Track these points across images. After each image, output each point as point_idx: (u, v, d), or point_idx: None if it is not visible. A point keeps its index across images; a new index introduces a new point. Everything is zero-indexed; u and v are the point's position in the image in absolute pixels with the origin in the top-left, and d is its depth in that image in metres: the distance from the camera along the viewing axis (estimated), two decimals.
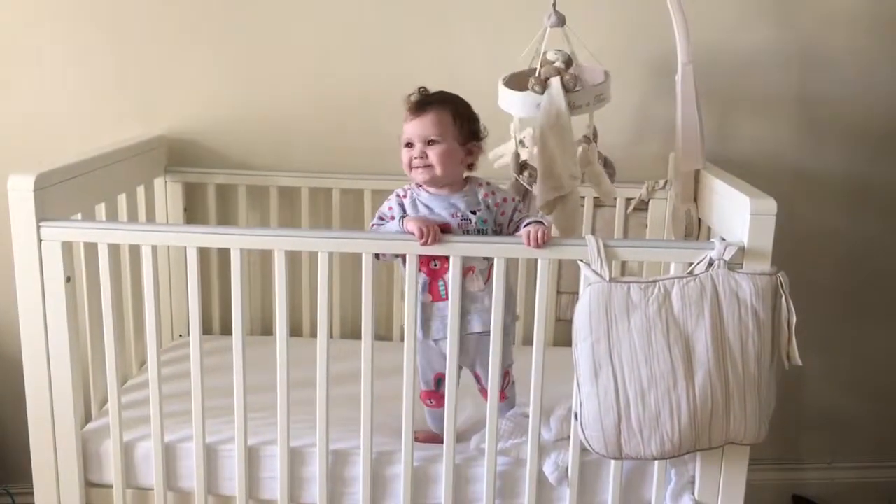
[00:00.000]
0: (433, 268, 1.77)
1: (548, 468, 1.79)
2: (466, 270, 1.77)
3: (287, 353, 1.76)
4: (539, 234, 1.66)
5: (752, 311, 1.62)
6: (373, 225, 1.83)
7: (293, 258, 1.79)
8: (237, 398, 1.78)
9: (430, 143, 1.77)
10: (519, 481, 1.82)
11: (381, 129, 2.38)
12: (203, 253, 1.78)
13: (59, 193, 1.79)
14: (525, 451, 1.79)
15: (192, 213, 2.43)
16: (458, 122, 1.79)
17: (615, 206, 2.38)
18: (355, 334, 2.29)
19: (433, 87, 1.85)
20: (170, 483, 1.86)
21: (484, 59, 2.29)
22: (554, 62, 1.90)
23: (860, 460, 2.69)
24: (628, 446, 1.66)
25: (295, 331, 2.06)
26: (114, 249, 1.79)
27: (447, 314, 1.74)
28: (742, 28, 2.35)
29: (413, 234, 1.68)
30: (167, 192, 2.39)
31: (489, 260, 1.77)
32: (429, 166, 1.77)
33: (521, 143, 2.02)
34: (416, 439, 1.82)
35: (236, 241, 1.73)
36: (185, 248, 1.75)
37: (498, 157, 2.07)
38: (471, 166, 1.85)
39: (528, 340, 1.98)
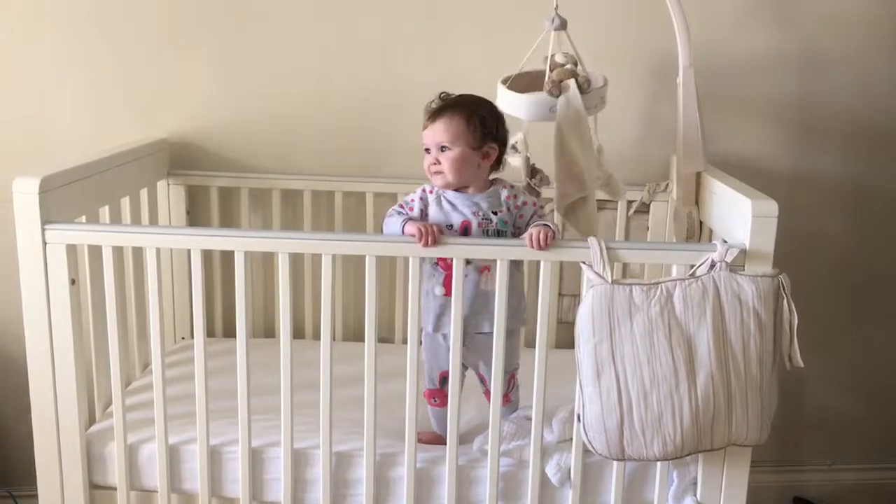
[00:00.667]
0: (450, 262, 1.77)
1: (550, 470, 1.80)
2: (482, 270, 1.79)
3: (290, 355, 1.76)
4: (542, 237, 1.67)
5: (754, 312, 1.63)
6: (391, 210, 1.84)
7: (296, 261, 1.80)
8: (241, 400, 1.78)
9: (442, 149, 1.79)
10: (522, 483, 1.82)
11: (383, 133, 2.41)
12: (205, 256, 1.78)
13: (64, 196, 1.80)
14: (528, 453, 1.79)
15: (195, 216, 2.43)
16: (473, 126, 1.79)
17: (616, 209, 2.39)
18: (357, 337, 2.31)
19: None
20: (173, 485, 1.86)
21: (485, 62, 2.30)
22: (565, 64, 1.91)
23: (861, 462, 2.70)
24: (631, 447, 1.66)
25: (297, 333, 2.06)
26: (118, 252, 1.79)
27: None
28: (742, 31, 2.36)
29: (413, 235, 1.69)
30: (170, 195, 2.39)
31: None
32: (442, 172, 1.79)
33: (514, 147, 2.01)
34: (420, 440, 1.83)
35: (241, 243, 1.73)
36: (190, 250, 1.76)
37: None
38: (494, 167, 1.86)
39: (530, 343, 1.98)
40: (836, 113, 2.43)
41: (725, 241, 1.69)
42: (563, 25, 1.96)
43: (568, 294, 2.46)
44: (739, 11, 2.35)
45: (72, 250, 1.77)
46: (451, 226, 1.80)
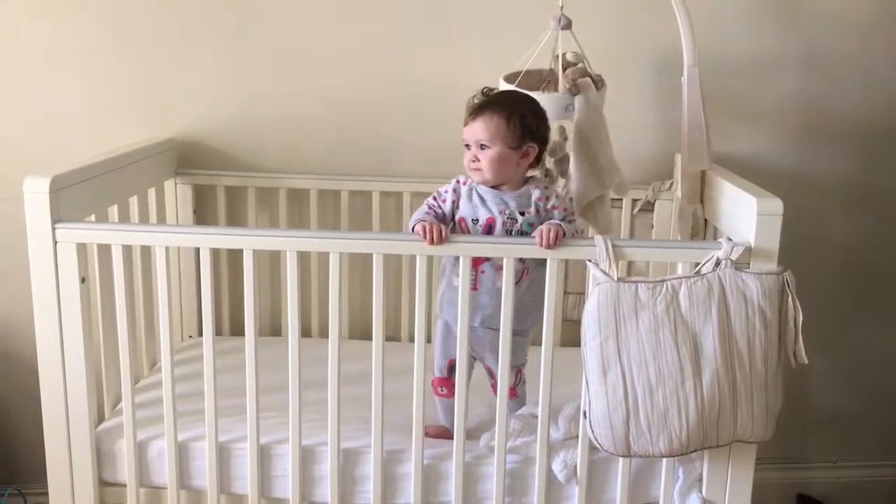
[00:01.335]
0: (476, 258, 1.78)
1: (556, 466, 1.81)
2: (498, 268, 1.79)
3: (298, 353, 1.78)
4: (552, 235, 1.68)
5: (759, 310, 1.64)
6: (427, 200, 1.85)
7: (302, 259, 1.81)
8: (249, 397, 1.80)
9: (482, 147, 1.79)
10: (528, 479, 1.83)
11: (390, 132, 2.41)
12: (213, 255, 1.80)
13: (74, 195, 1.81)
14: (534, 450, 1.81)
15: (202, 215, 2.45)
16: (513, 125, 1.78)
17: (621, 207, 2.40)
18: (364, 335, 2.31)
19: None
20: (183, 482, 1.87)
21: (491, 62, 2.29)
22: (577, 63, 1.92)
23: (865, 459, 2.70)
24: (636, 444, 1.67)
25: (304, 332, 2.07)
26: (127, 251, 1.80)
27: (479, 304, 1.78)
28: (746, 31, 2.37)
29: (419, 234, 1.70)
30: (177, 195, 2.40)
31: (525, 261, 1.80)
32: (480, 169, 1.80)
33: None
34: (427, 434, 1.84)
35: (249, 241, 1.75)
36: (198, 249, 1.77)
37: None
38: (533, 166, 1.86)
39: (535, 340, 1.99)
40: (839, 112, 2.44)
41: (730, 239, 1.70)
42: (568, 25, 1.97)
43: (573, 292, 2.47)
44: (744, 11, 2.36)
45: (82, 249, 1.79)
46: (477, 220, 1.80)
